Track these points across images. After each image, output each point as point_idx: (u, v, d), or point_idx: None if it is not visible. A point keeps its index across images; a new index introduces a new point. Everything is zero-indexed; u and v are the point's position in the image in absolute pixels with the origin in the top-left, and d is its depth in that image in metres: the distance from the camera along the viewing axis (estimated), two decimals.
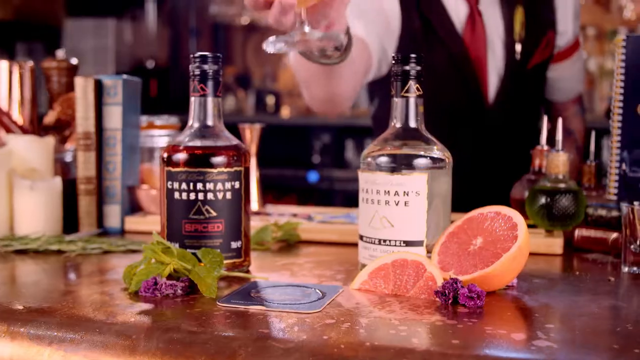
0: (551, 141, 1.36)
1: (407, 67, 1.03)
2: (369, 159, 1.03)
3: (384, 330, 0.81)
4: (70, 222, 1.37)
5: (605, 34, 3.62)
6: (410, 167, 1.00)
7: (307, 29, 1.01)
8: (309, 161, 3.90)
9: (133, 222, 1.41)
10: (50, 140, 1.41)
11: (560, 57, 1.91)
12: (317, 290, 0.95)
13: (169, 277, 0.96)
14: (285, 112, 4.07)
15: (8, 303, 0.90)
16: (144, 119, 1.57)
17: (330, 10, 1.06)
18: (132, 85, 1.44)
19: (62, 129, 1.52)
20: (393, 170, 1.01)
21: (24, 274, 1.09)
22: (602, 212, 1.26)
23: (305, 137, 3.92)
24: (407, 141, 1.03)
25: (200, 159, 1.02)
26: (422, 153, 1.01)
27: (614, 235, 1.21)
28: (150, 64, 4.07)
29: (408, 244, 1.01)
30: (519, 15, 1.78)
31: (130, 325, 0.82)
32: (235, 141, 1.07)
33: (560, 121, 1.30)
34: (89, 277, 1.06)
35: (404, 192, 1.00)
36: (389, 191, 1.00)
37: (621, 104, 1.31)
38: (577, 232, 1.24)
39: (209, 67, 1.05)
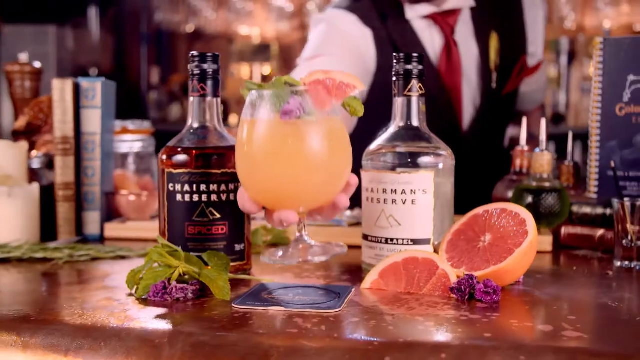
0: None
1: (409, 67, 1.03)
2: (374, 158, 1.03)
3: (412, 326, 0.80)
4: (47, 229, 1.32)
5: (547, 43, 3.72)
6: (417, 166, 1.00)
7: (306, 237, 0.93)
8: None
9: (113, 229, 1.37)
10: (24, 146, 1.36)
11: (529, 72, 1.95)
12: (330, 291, 0.94)
13: (177, 281, 0.93)
14: (234, 120, 4.04)
15: (12, 312, 0.86)
16: (118, 124, 1.53)
17: (330, 215, 0.96)
18: (109, 88, 1.40)
19: (32, 134, 1.47)
20: (399, 168, 1.01)
21: (16, 283, 1.04)
22: (587, 209, 1.29)
23: None
24: (411, 140, 1.03)
25: (203, 160, 1.00)
26: (428, 151, 1.02)
27: (600, 231, 1.24)
28: (93, 72, 3.98)
29: (415, 242, 1.01)
30: (494, 42, 1.80)
31: (150, 330, 0.80)
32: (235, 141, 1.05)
33: (543, 122, 1.33)
34: (88, 284, 1.02)
35: (411, 190, 1.00)
36: (395, 190, 1.00)
37: (599, 105, 1.35)
38: (564, 230, 1.27)
39: (209, 66, 1.03)
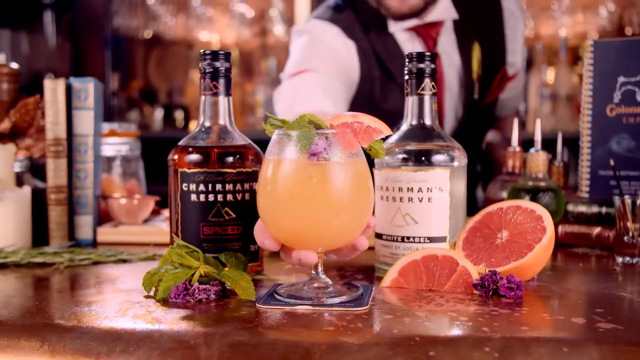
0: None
1: (422, 65, 1.03)
2: (388, 156, 1.03)
3: (447, 321, 0.80)
4: (37, 234, 1.28)
5: None
6: (433, 164, 1.01)
7: (323, 276, 0.92)
8: None
9: (106, 233, 1.34)
10: (11, 148, 1.32)
11: (507, 80, 1.98)
12: (351, 289, 0.93)
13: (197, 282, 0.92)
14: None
15: (30, 317, 0.83)
16: (105, 126, 1.50)
17: (348, 255, 0.94)
18: (98, 89, 1.36)
19: (17, 136, 1.42)
20: (415, 166, 1.01)
21: (23, 288, 1.00)
22: (582, 208, 1.31)
23: None
24: (425, 138, 1.03)
25: (220, 159, 0.98)
26: (443, 149, 1.02)
27: (597, 229, 1.26)
28: (50, 77, 3.86)
29: (432, 240, 1.01)
30: (476, 53, 1.83)
31: (183, 331, 0.78)
32: (248, 141, 1.04)
33: (538, 122, 1.35)
34: (100, 287, 0.99)
35: (428, 188, 1.00)
36: (412, 188, 1.00)
37: (590, 106, 1.38)
38: (561, 228, 1.29)
39: (221, 65, 1.01)
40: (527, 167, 1.33)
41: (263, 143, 0.94)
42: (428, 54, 1.04)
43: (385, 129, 0.89)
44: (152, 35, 4.13)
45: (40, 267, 1.11)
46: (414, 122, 1.05)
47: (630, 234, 1.14)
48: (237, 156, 0.99)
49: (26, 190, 1.25)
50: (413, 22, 1.75)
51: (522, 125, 3.63)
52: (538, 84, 3.66)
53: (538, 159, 1.32)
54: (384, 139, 0.92)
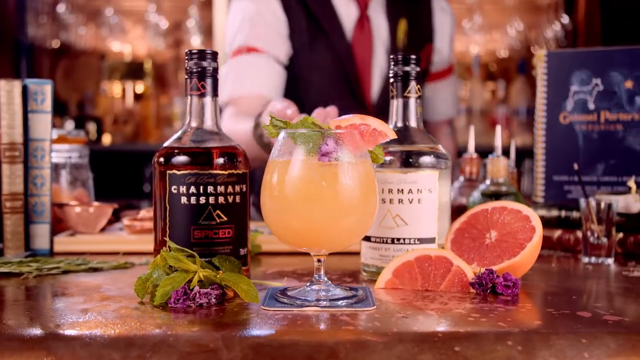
0: None
1: (407, 68, 1.05)
2: None
3: (460, 319, 0.81)
4: None
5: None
6: (423, 165, 1.02)
7: (324, 278, 0.91)
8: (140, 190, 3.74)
9: (63, 243, 1.27)
10: None
11: (434, 77, 2.06)
12: (350, 290, 0.92)
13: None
14: (107, 140, 3.87)
15: (27, 328, 0.78)
16: (54, 133, 1.43)
17: None
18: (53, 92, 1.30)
19: None
20: (405, 168, 1.01)
21: (4, 298, 0.94)
22: (542, 212, 1.36)
23: (133, 165, 3.76)
24: (412, 140, 1.04)
25: (211, 161, 0.96)
26: (432, 151, 1.03)
27: (558, 232, 1.31)
28: None
29: (422, 241, 1.02)
30: (402, 26, 1.94)
31: (199, 335, 0.75)
32: (236, 142, 1.01)
33: (498, 128, 1.39)
34: (86, 295, 0.93)
35: (418, 189, 1.01)
36: (402, 189, 1.01)
37: (545, 114, 1.43)
38: None
39: (208, 64, 0.99)
40: (489, 172, 1.36)
41: None
42: (414, 57, 1.05)
43: (390, 133, 0.90)
44: (60, 45, 3.99)
45: (6, 278, 1.04)
46: (400, 124, 1.06)
47: (596, 235, 1.19)
48: (228, 158, 0.97)
49: None
50: None
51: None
52: None
53: (499, 164, 1.36)
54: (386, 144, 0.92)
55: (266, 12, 1.85)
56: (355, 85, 1.88)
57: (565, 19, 3.72)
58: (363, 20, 1.89)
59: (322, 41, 1.86)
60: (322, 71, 1.87)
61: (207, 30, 3.91)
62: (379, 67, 1.92)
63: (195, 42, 3.95)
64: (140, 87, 4.13)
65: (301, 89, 1.88)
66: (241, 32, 1.84)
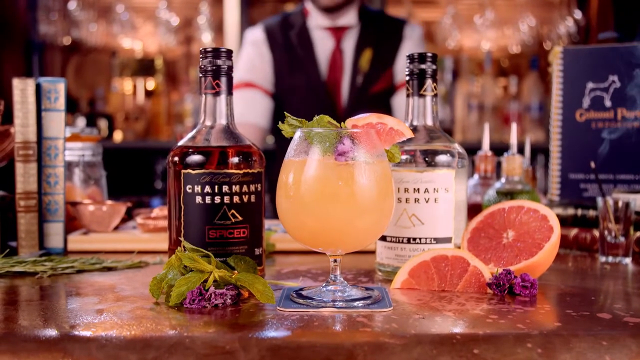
0: None
1: (423, 66, 1.04)
2: None
3: (478, 320, 0.80)
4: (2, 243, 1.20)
5: None
6: (439, 164, 1.01)
7: (340, 279, 0.90)
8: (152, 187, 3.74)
9: (77, 242, 1.27)
10: None
11: (399, 88, 2.37)
12: (367, 291, 0.91)
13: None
14: (118, 137, 3.87)
15: (41, 329, 0.77)
16: (67, 131, 1.43)
17: None
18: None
19: None
20: (421, 167, 1.01)
21: (14, 299, 0.93)
22: (559, 210, 1.34)
23: (144, 162, 3.76)
24: (429, 138, 1.03)
25: (225, 160, 0.95)
26: (448, 150, 1.02)
27: (575, 231, 1.30)
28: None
29: (438, 241, 1.01)
30: (366, 55, 2.36)
31: (215, 336, 0.74)
32: (251, 141, 1.01)
33: (514, 125, 1.38)
34: (101, 295, 0.93)
35: (434, 189, 1.00)
36: (418, 189, 1.00)
37: (560, 111, 1.42)
38: None
39: (223, 62, 0.98)
40: (504, 170, 1.35)
41: None
42: (430, 54, 1.04)
43: (407, 132, 0.89)
44: (71, 42, 3.99)
45: (21, 277, 1.04)
46: (416, 123, 1.05)
47: (613, 234, 1.18)
48: (243, 157, 0.96)
49: None
50: (328, 23, 2.36)
51: (450, 133, 3.72)
52: (465, 94, 3.75)
53: (515, 162, 1.35)
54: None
55: (258, 55, 2.39)
56: (327, 101, 2.33)
57: (578, 15, 3.69)
58: (336, 52, 2.36)
59: (300, 69, 2.35)
60: (299, 92, 2.35)
61: (218, 27, 3.91)
62: (347, 83, 2.36)
63: (206, 38, 3.94)
64: (151, 84, 4.13)
65: (284, 107, 2.28)
66: (250, 71, 2.40)
